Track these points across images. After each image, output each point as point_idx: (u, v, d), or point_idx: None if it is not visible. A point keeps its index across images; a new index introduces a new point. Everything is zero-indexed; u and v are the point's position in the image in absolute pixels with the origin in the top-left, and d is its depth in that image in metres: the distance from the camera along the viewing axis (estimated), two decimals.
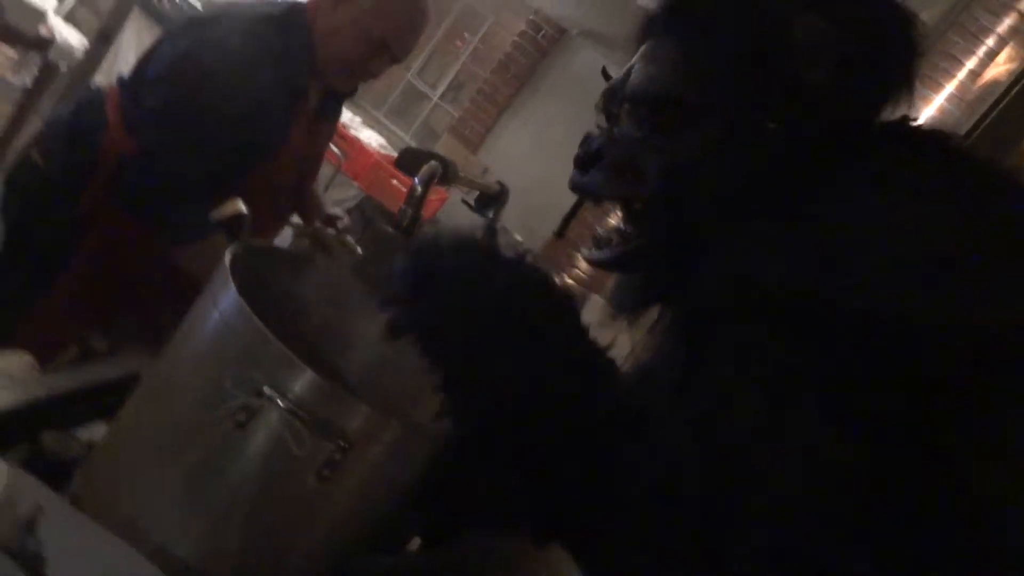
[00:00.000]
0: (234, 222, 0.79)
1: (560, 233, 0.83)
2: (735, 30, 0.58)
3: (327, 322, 0.92)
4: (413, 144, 5.06)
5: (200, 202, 0.98)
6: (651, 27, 0.64)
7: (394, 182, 4.13)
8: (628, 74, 0.64)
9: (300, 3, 1.34)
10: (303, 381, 0.63)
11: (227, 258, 0.71)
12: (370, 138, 4.54)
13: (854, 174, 0.55)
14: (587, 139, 0.64)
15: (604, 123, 0.67)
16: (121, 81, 1.31)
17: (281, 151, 1.30)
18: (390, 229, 1.05)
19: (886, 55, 0.58)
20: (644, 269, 0.66)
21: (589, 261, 0.69)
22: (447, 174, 1.10)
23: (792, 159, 0.57)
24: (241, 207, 0.78)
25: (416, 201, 1.01)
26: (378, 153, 4.40)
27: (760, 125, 0.57)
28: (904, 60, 0.58)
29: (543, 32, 4.72)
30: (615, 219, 0.68)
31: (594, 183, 0.63)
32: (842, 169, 0.56)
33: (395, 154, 4.55)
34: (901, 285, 0.48)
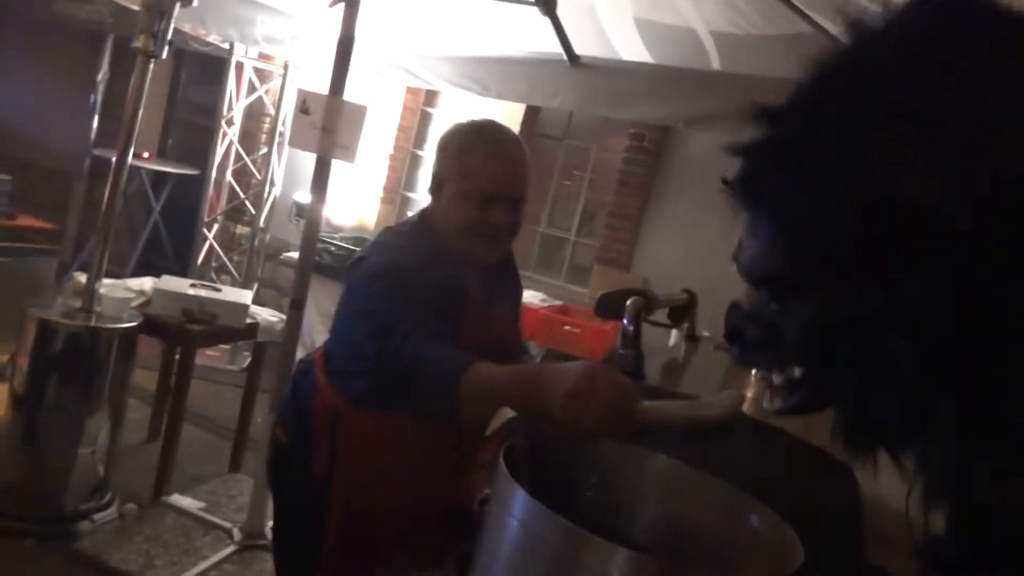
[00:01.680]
0: (506, 430, 0.82)
1: None
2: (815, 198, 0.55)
3: (603, 488, 0.90)
4: (568, 286, 5.17)
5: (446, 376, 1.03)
6: (739, 196, 0.62)
7: (566, 328, 4.21)
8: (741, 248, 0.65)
9: (423, 210, 1.47)
10: (626, 563, 0.61)
11: (501, 462, 0.72)
12: (531, 297, 4.71)
13: None
14: (729, 313, 0.66)
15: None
16: (325, 347, 1.45)
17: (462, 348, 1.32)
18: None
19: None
20: (829, 404, 0.64)
21: (774, 413, 0.67)
22: (649, 304, 1.10)
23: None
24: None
25: (633, 340, 1.00)
26: (541, 308, 4.53)
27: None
28: None
29: (647, 138, 4.82)
30: None
31: (743, 358, 0.65)
32: None
33: (557, 303, 4.67)
34: None
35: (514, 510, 0.68)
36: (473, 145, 1.38)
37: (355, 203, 5.50)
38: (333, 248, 4.42)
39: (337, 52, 2.35)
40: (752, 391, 1.10)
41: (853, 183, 0.51)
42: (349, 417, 1.33)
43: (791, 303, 0.57)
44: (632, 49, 3.41)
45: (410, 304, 1.21)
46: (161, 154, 6.13)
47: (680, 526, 0.89)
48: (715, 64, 3.28)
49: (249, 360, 3.53)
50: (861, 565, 0.95)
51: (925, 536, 0.57)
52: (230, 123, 5.33)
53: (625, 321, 1.05)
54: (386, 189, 5.58)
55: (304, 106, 2.36)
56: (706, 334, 1.95)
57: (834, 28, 2.73)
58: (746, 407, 1.00)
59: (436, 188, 1.40)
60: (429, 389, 1.10)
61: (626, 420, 0.84)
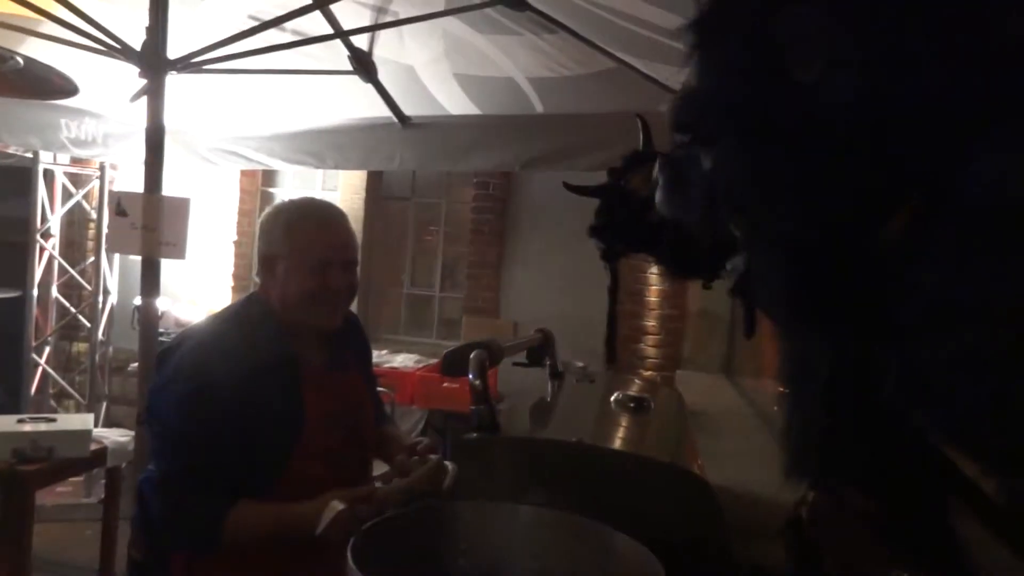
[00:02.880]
0: (339, 523, 0.77)
1: (611, 359, 0.82)
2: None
3: (474, 552, 0.87)
4: (441, 343, 5.13)
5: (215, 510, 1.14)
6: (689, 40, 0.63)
7: (444, 385, 4.16)
8: None
9: (254, 292, 1.48)
10: None
11: (349, 559, 0.68)
12: (404, 361, 4.62)
13: None
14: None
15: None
16: None
17: (306, 421, 1.32)
18: (472, 435, 1.02)
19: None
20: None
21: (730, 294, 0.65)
22: (493, 354, 1.09)
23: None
24: (336, 506, 0.76)
25: (482, 395, 0.99)
26: (417, 369, 4.46)
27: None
28: None
29: (492, 185, 4.93)
30: None
31: (660, 203, 0.66)
32: None
33: (432, 361, 4.62)
34: None
35: None
36: (300, 218, 1.42)
37: (205, 296, 5.21)
38: None
39: (147, 146, 2.24)
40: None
41: (753, 59, 0.53)
42: None
43: (695, 152, 0.58)
44: (458, 103, 3.49)
45: (220, 422, 1.23)
46: None
47: (559, 571, 0.87)
48: (538, 107, 3.43)
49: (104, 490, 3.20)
50: (724, 562, 0.96)
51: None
52: (47, 236, 4.92)
53: (471, 376, 1.04)
54: (236, 277, 5.34)
55: (120, 208, 2.21)
56: (579, 364, 1.98)
57: (637, 62, 2.94)
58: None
59: (267, 268, 1.42)
60: (194, 522, 1.23)
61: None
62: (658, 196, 0.64)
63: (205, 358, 1.26)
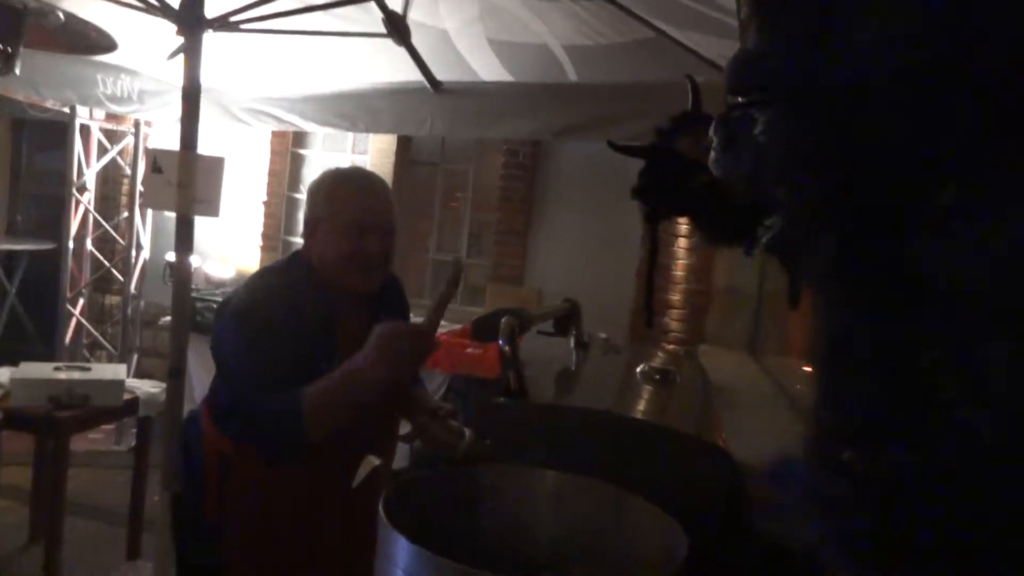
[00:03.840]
0: (376, 477, 0.79)
1: (649, 321, 0.82)
2: None
3: (497, 513, 0.89)
4: (466, 309, 5.16)
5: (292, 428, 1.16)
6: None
7: (468, 350, 4.19)
8: None
9: (296, 251, 1.56)
10: None
11: (381, 512, 0.70)
12: None
13: None
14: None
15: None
16: (210, 388, 1.45)
17: None
18: (500, 399, 1.04)
19: None
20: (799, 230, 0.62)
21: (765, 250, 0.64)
22: (523, 321, 1.10)
23: None
24: (373, 461, 0.78)
25: (512, 361, 1.00)
26: (441, 335, 4.49)
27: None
28: None
29: (521, 153, 4.90)
30: None
31: (714, 163, 0.64)
32: None
33: (456, 327, 4.65)
34: None
35: (399, 560, 0.65)
36: (342, 183, 1.49)
37: (234, 254, 5.28)
38: (215, 305, 4.23)
39: (184, 104, 2.25)
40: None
41: (810, 23, 0.53)
42: (236, 460, 1.35)
43: (750, 113, 0.58)
44: (491, 70, 3.47)
45: (269, 347, 1.29)
46: (11, 231, 5.68)
47: (579, 538, 0.89)
48: (572, 76, 3.39)
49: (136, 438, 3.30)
50: (743, 536, 0.97)
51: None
52: (82, 190, 5.01)
53: (500, 343, 1.06)
54: (265, 236, 5.39)
55: (156, 165, 2.24)
56: (603, 336, 1.99)
57: (675, 32, 2.88)
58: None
59: (310, 230, 1.48)
60: (276, 421, 1.24)
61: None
62: (711, 156, 0.63)
63: (257, 303, 1.36)
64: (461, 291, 5.37)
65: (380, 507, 0.69)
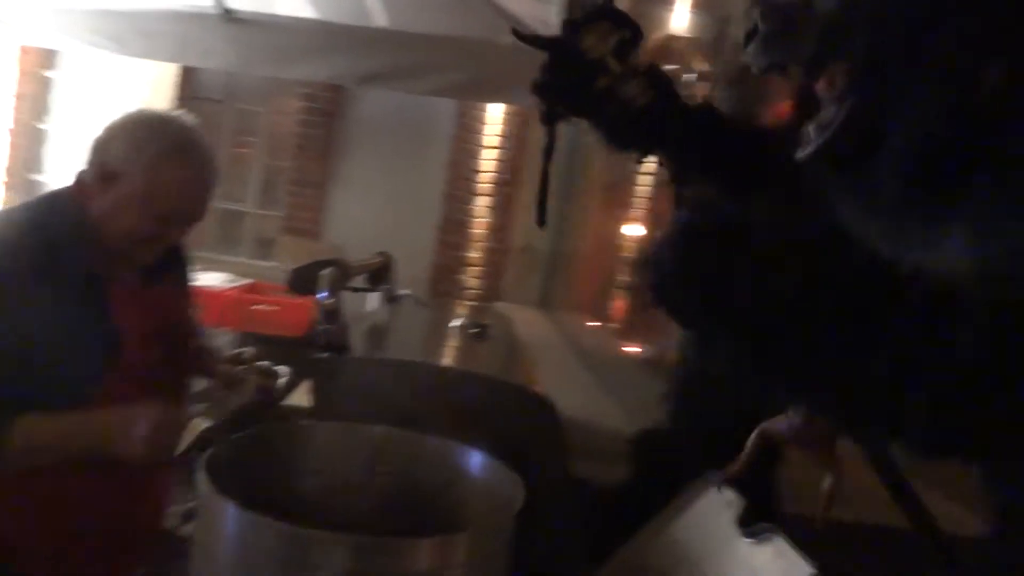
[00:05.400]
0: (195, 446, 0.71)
1: (541, 220, 0.80)
2: None
3: (326, 473, 0.85)
4: (254, 263, 4.84)
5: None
6: None
7: (257, 307, 3.94)
8: None
9: (60, 191, 1.25)
10: (350, 550, 0.57)
11: (205, 477, 0.63)
12: (213, 280, 4.30)
13: None
14: (749, 12, 0.66)
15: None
16: None
17: (120, 341, 1.19)
18: (323, 355, 0.98)
19: None
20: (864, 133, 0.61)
21: (810, 158, 0.63)
22: (345, 273, 1.05)
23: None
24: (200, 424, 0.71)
25: (332, 314, 0.94)
26: (228, 289, 4.18)
27: None
28: None
29: (321, 99, 4.65)
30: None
31: (758, 53, 0.64)
32: None
33: (244, 281, 4.35)
34: None
35: (226, 526, 0.59)
36: (176, 161, 1.22)
37: None
38: None
39: None
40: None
41: None
42: None
43: None
44: (290, 3, 3.22)
45: (14, 310, 1.08)
46: None
47: (411, 491, 0.88)
48: (380, 21, 3.25)
49: None
50: (568, 481, 1.03)
51: None
52: None
53: (323, 295, 0.99)
54: (9, 172, 4.60)
55: None
56: (407, 292, 1.96)
57: None
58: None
59: (101, 178, 1.20)
60: None
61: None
62: (756, 44, 0.63)
63: (3, 255, 1.09)
64: (250, 241, 5.02)
65: (203, 467, 0.62)
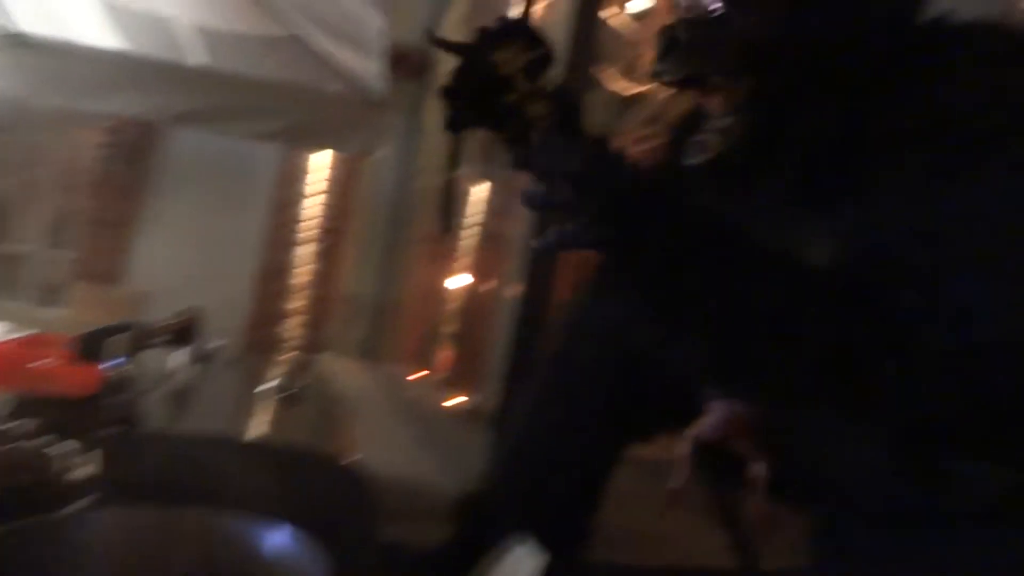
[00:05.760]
0: None
1: (446, 228, 0.79)
2: None
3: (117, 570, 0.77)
4: (39, 311, 4.31)
5: None
6: None
7: (34, 364, 3.50)
8: None
9: None
10: None
11: None
12: None
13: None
14: (664, 32, 0.70)
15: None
16: None
17: None
18: (111, 430, 0.88)
19: None
20: (769, 138, 0.68)
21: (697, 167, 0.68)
22: (140, 337, 0.96)
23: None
24: None
25: (119, 385, 0.86)
26: (4, 344, 3.67)
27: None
28: None
29: (126, 133, 4.31)
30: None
31: (666, 69, 0.69)
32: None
33: (23, 334, 3.85)
34: None
35: None
36: None
37: None
38: None
39: None
40: None
41: None
42: None
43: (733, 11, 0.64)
44: (94, 32, 2.98)
45: None
46: None
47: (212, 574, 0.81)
48: (196, 58, 3.10)
49: None
50: (379, 548, 1.01)
51: None
52: None
53: (112, 364, 0.91)
54: None
55: None
56: (220, 343, 1.83)
57: (316, 34, 2.85)
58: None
59: None
60: None
61: None
62: (675, 55, 0.68)
63: None
64: (33, 289, 4.46)
65: None
